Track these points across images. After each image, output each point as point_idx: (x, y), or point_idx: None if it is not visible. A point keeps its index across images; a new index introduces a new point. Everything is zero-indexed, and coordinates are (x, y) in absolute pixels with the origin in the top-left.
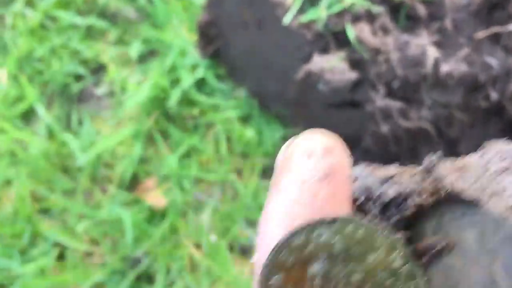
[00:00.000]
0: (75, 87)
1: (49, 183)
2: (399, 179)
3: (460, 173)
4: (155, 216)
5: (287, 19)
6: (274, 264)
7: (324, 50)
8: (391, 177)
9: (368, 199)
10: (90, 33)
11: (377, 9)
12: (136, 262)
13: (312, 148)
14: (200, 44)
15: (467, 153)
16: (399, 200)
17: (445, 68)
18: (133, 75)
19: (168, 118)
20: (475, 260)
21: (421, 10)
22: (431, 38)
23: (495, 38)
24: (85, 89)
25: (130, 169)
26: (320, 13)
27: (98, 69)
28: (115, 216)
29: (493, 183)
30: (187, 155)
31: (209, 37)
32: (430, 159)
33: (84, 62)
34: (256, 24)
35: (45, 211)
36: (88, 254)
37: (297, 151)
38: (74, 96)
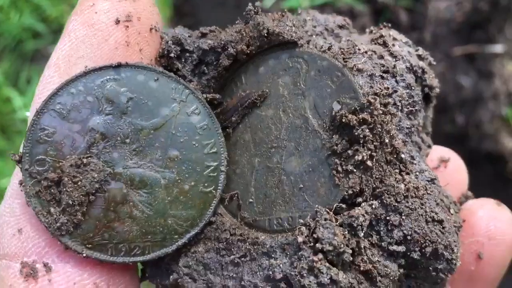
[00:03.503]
0: (31, 45)
1: None
2: (217, 34)
3: (278, 21)
4: None
5: (267, 3)
6: (50, 110)
7: None
8: (209, 32)
9: (183, 51)
10: None
11: (360, 8)
12: None
13: None
14: (173, 19)
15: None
16: (217, 52)
17: None
18: None
19: None
20: (287, 105)
21: (403, 17)
22: None
23: (471, 59)
24: (40, 48)
25: None
26: (302, 2)
27: (59, 31)
28: None
29: (308, 37)
30: None
31: (183, 13)
32: (247, 9)
33: (45, 21)
34: (235, 4)
35: None
36: None
37: None
38: (28, 54)
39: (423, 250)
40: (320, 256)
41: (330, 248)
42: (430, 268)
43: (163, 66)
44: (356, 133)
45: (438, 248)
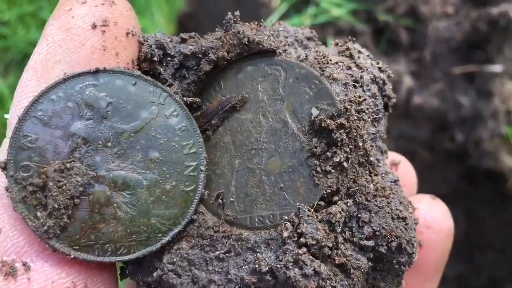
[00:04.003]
0: None
1: None
2: (196, 40)
3: (256, 30)
4: None
5: (270, 21)
6: (32, 117)
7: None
8: (188, 38)
9: (165, 55)
10: None
11: (361, 27)
12: None
13: None
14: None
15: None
16: (197, 57)
17: (417, 100)
18: None
19: None
20: (267, 110)
21: (403, 36)
22: (409, 66)
23: (470, 78)
24: None
25: None
26: (304, 21)
27: None
28: None
29: (283, 47)
30: None
31: (187, 29)
32: (227, 17)
33: None
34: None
35: None
36: None
37: None
38: None
39: (389, 245)
40: (304, 249)
41: (313, 242)
42: (394, 261)
43: (145, 70)
44: (334, 137)
45: (402, 243)
